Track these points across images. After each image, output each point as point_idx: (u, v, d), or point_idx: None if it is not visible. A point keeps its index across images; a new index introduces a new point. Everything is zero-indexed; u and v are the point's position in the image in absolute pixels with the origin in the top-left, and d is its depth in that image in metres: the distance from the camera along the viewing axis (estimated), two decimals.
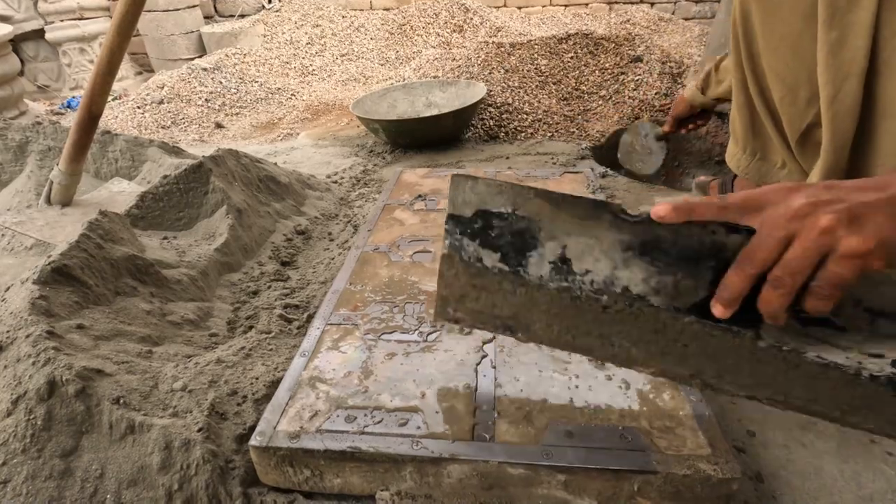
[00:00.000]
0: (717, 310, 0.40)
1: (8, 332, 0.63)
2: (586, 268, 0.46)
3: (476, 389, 0.63)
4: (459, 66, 2.28)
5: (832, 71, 0.63)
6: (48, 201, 1.29)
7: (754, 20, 0.74)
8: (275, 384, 0.71)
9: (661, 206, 0.41)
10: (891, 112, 0.61)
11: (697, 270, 0.42)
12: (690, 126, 1.39)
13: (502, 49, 2.29)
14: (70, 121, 2.76)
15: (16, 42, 2.97)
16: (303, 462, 0.59)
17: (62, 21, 3.26)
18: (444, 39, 3.10)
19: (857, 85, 0.62)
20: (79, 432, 0.58)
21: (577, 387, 0.63)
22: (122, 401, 0.61)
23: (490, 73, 2.16)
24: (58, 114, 2.97)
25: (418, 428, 0.59)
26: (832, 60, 0.62)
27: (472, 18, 3.19)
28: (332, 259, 1.06)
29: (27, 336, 0.62)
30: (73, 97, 3.08)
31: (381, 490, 0.58)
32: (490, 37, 3.03)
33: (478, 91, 1.87)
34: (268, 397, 0.69)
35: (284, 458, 0.59)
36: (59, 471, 0.56)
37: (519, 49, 2.29)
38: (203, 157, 1.25)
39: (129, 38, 1.06)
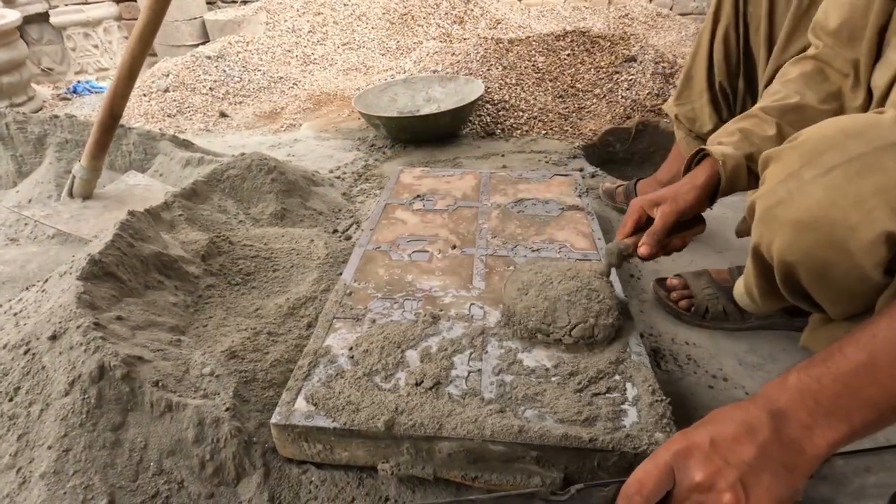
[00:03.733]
0: None
1: (60, 322, 0.73)
2: None
3: None
4: (459, 60, 2.34)
5: None
6: (70, 194, 1.38)
7: None
8: (289, 371, 0.81)
9: None
10: None
11: None
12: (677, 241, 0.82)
13: (501, 45, 2.35)
14: (76, 106, 2.82)
15: (20, 25, 3.00)
16: (316, 438, 0.69)
17: (67, 6, 3.28)
18: (444, 31, 3.14)
19: None
20: (125, 410, 0.68)
21: None
22: (160, 383, 0.71)
23: (488, 70, 2.22)
24: (64, 98, 3.02)
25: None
26: None
27: (472, 10, 3.23)
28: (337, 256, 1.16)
29: (77, 327, 0.71)
30: (79, 82, 3.13)
31: (383, 462, 0.69)
32: (490, 28, 3.08)
33: (476, 88, 1.94)
34: (284, 382, 0.79)
35: (300, 434, 0.69)
36: (110, 442, 0.66)
37: (517, 45, 2.35)
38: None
39: (150, 45, 1.13)
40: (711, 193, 0.78)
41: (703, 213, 0.81)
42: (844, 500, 0.50)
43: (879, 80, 0.65)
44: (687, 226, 0.80)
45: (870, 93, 0.69)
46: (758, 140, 0.76)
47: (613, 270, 0.86)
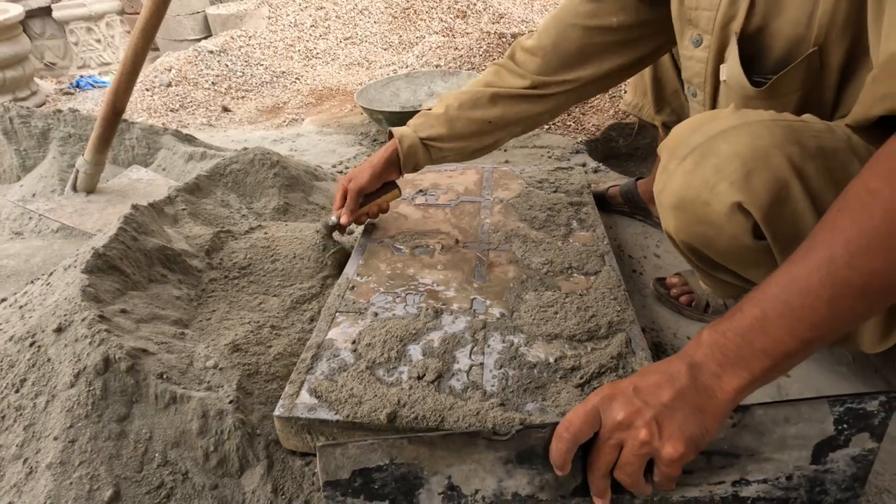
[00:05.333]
0: (597, 501, 0.51)
1: (65, 315, 0.73)
2: (475, 488, 0.52)
3: None
4: (461, 55, 2.33)
5: None
6: (74, 189, 1.38)
7: None
8: (292, 364, 0.81)
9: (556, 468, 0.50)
10: None
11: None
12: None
13: (503, 40, 2.34)
14: (79, 101, 2.83)
15: (23, 19, 3.00)
16: (319, 430, 0.70)
17: (69, 0, 3.28)
18: (447, 25, 3.13)
19: None
20: (130, 402, 0.69)
21: None
22: (164, 376, 0.71)
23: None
24: (67, 93, 3.03)
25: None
26: None
27: (475, 4, 3.22)
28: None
29: (83, 319, 0.72)
30: (81, 76, 3.13)
31: None
32: (493, 23, 3.07)
33: None
34: (287, 375, 0.80)
35: (303, 426, 0.69)
36: (115, 433, 0.67)
37: None
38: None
39: (152, 39, 1.13)
40: (394, 167, 0.99)
41: (396, 181, 1.03)
42: (767, 450, 0.53)
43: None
44: (379, 193, 1.02)
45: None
46: (432, 120, 0.95)
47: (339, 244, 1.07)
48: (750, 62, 0.69)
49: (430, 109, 0.97)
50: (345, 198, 1.02)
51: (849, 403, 0.51)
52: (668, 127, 1.12)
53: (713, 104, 0.78)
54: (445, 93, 0.99)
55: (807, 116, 0.63)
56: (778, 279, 0.45)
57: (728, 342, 0.46)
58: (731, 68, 0.69)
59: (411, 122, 0.98)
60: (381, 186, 1.02)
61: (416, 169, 1.00)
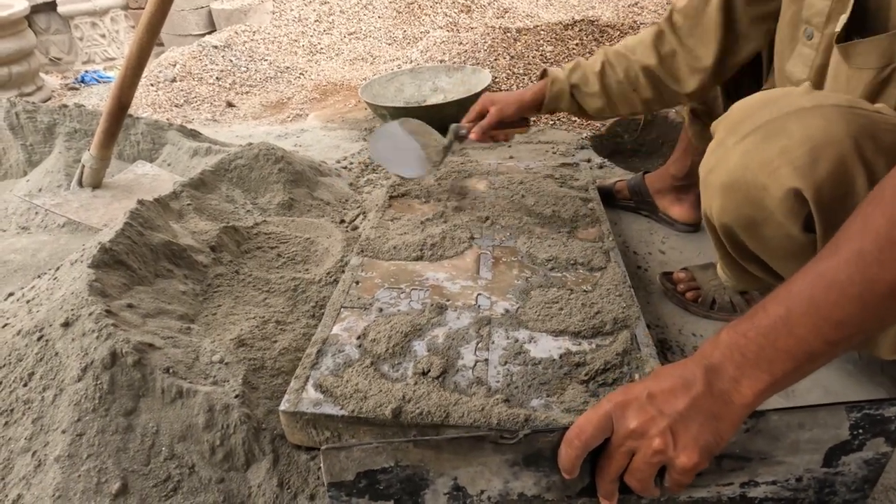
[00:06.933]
0: (604, 503, 0.50)
1: (72, 309, 0.74)
2: (481, 489, 0.51)
3: None
4: (466, 50, 2.32)
5: None
6: (80, 184, 1.39)
7: None
8: (297, 359, 0.81)
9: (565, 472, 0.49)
10: None
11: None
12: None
13: (508, 34, 2.33)
14: (84, 96, 2.83)
15: (28, 14, 3.00)
16: (324, 425, 0.70)
17: None
18: (451, 20, 3.12)
19: None
20: (137, 396, 0.69)
21: None
22: (171, 370, 0.72)
23: (496, 60, 2.21)
24: (72, 88, 3.04)
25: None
26: None
27: None
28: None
29: (89, 314, 0.72)
30: (86, 72, 3.14)
31: None
32: (498, 18, 3.06)
33: (483, 78, 1.93)
34: (292, 370, 0.80)
35: (309, 421, 0.70)
36: (122, 427, 0.67)
37: (525, 35, 2.33)
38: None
39: (157, 34, 1.13)
40: (537, 106, 1.02)
41: (529, 118, 1.08)
42: (779, 454, 0.53)
43: (796, 72, 0.74)
44: (512, 125, 1.06)
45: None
46: (587, 71, 0.97)
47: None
48: (862, 20, 0.61)
49: (587, 59, 1.00)
50: (481, 115, 1.04)
51: (866, 409, 0.50)
52: (696, 115, 1.12)
53: (827, 54, 0.68)
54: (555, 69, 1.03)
55: (882, 106, 0.59)
56: (805, 275, 0.43)
57: (749, 342, 0.44)
58: (844, 16, 0.62)
59: (567, 65, 1.01)
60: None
61: (553, 112, 1.03)
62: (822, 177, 0.54)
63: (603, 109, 1.00)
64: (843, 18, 0.62)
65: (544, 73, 1.02)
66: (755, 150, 0.58)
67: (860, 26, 0.61)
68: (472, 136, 1.04)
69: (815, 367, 0.44)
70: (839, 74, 0.64)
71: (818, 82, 0.71)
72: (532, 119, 1.07)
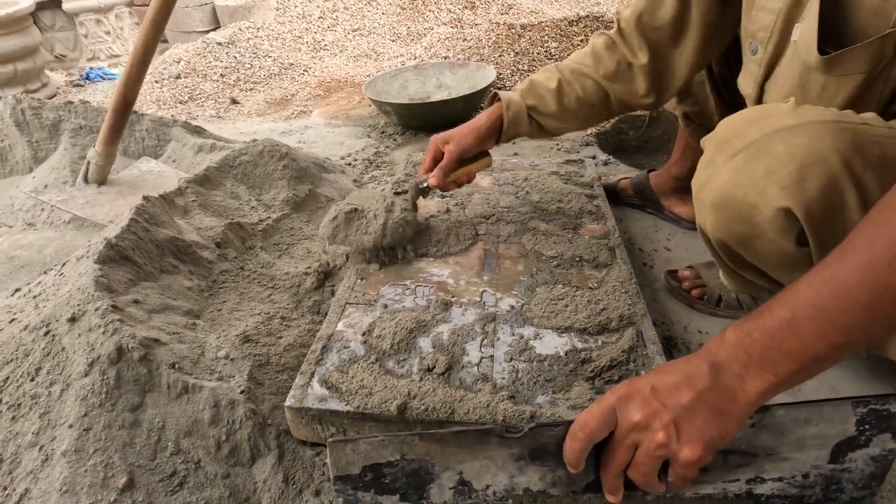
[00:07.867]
0: (609, 498, 0.51)
1: (79, 305, 0.74)
2: (486, 483, 0.52)
3: None
4: (470, 46, 2.32)
5: None
6: (85, 180, 1.39)
7: None
8: (303, 356, 0.81)
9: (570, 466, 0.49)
10: None
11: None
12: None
13: (513, 31, 2.32)
14: (89, 93, 2.84)
15: (33, 11, 3.01)
16: (329, 421, 0.70)
17: None
18: (455, 16, 3.11)
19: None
20: (143, 391, 0.70)
21: None
22: (176, 366, 0.72)
23: (500, 56, 2.20)
24: (77, 85, 3.04)
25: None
26: None
27: None
28: None
29: (96, 309, 0.72)
30: (91, 68, 3.14)
31: None
32: (502, 14, 3.04)
33: (487, 75, 1.92)
34: (297, 366, 0.80)
35: (314, 417, 0.70)
36: (129, 422, 0.68)
37: (529, 31, 2.32)
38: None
39: (162, 31, 1.13)
40: (495, 134, 0.94)
41: (489, 150, 0.97)
42: (785, 450, 0.53)
43: (744, 87, 0.75)
44: (474, 160, 0.96)
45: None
46: (542, 91, 0.92)
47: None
48: (826, 28, 0.61)
49: (536, 78, 0.93)
50: (436, 160, 0.94)
51: (873, 405, 0.50)
52: (688, 118, 1.11)
53: (770, 67, 0.71)
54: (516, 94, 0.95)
55: (869, 117, 0.60)
56: (811, 280, 0.43)
57: (754, 342, 0.44)
58: (807, 28, 0.62)
59: (519, 86, 0.94)
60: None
61: (512, 139, 0.94)
62: (811, 195, 0.55)
63: (563, 128, 0.97)
64: (799, 28, 0.63)
65: (494, 98, 0.95)
66: (743, 169, 0.59)
67: (828, 35, 0.61)
68: (431, 181, 0.93)
69: (821, 370, 0.44)
70: (808, 84, 0.64)
71: (760, 98, 0.72)
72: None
